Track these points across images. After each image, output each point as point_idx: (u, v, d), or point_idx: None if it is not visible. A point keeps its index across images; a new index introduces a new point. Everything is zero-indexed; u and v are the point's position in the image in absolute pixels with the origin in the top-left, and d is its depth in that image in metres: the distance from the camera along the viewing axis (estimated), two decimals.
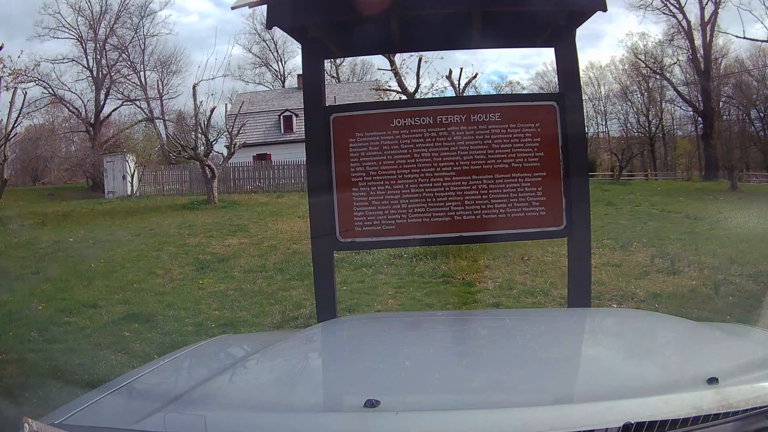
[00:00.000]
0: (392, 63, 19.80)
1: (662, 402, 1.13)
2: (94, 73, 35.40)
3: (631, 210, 13.75)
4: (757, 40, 31.74)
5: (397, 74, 20.00)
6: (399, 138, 3.09)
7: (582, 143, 3.26)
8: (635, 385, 1.30)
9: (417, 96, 19.25)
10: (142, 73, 37.39)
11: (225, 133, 19.38)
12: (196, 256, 9.50)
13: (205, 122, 18.14)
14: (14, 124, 19.00)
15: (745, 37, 32.58)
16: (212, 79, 22.66)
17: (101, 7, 35.22)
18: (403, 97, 19.12)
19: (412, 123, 3.10)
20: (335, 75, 41.31)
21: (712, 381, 1.20)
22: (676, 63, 36.26)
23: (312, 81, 3.26)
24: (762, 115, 32.50)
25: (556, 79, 3.87)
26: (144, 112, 36.03)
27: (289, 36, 3.55)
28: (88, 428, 1.21)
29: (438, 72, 40.05)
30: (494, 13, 3.24)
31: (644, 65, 37.96)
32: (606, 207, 13.78)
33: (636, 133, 40.34)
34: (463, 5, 3.08)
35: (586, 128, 8.97)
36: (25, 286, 7.56)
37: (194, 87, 20.33)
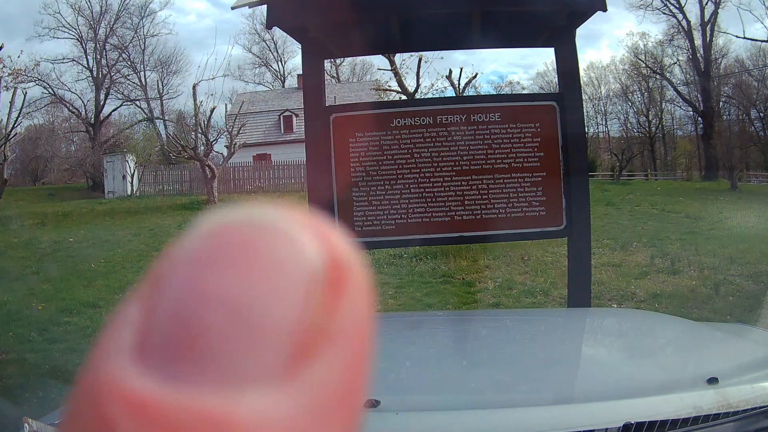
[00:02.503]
0: (392, 63, 19.79)
1: (662, 402, 1.13)
2: (94, 73, 35.35)
3: (631, 210, 13.75)
4: (757, 40, 31.74)
5: (397, 74, 20.00)
6: (399, 138, 3.09)
7: (582, 143, 3.26)
8: (635, 385, 1.30)
9: (417, 96, 19.25)
10: (142, 73, 37.35)
11: (225, 133, 19.38)
12: None
13: (205, 122, 18.13)
14: (14, 124, 18.95)
15: (745, 37, 32.57)
16: (212, 79, 22.59)
17: (101, 7, 35.16)
18: (403, 97, 19.11)
19: (412, 123, 3.10)
20: (335, 75, 41.20)
21: (712, 381, 1.20)
22: (676, 63, 36.22)
23: (312, 81, 3.26)
24: (762, 115, 32.47)
25: (556, 79, 3.87)
26: (144, 112, 36.01)
27: (289, 36, 3.55)
28: None
29: (438, 72, 39.84)
30: (494, 13, 3.24)
31: (644, 65, 37.93)
32: (606, 207, 13.76)
33: (636, 133, 40.26)
34: (463, 5, 3.08)
35: (586, 128, 8.98)
36: (25, 286, 7.56)
37: (194, 87, 20.34)
